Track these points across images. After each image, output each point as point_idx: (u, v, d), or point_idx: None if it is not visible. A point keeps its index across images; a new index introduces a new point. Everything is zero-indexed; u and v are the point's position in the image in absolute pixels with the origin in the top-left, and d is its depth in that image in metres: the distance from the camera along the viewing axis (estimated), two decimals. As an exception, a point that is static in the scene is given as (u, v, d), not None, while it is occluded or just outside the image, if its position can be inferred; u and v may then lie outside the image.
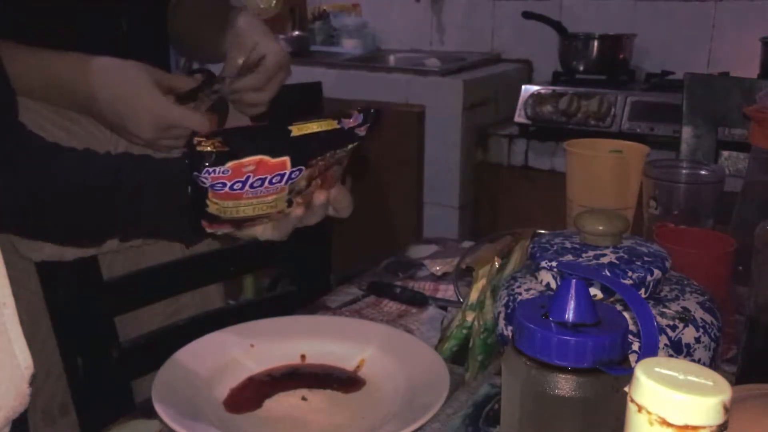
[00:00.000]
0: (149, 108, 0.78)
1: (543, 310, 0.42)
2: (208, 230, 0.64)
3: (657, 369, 0.29)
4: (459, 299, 0.83)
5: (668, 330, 0.57)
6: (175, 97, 0.81)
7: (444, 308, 0.86)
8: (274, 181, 0.60)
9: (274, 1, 2.54)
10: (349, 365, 0.72)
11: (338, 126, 0.61)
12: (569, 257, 0.61)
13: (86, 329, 0.83)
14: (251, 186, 0.59)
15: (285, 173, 0.60)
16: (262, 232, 0.69)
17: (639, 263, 0.59)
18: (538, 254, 0.63)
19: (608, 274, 0.58)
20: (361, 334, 0.76)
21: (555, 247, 0.63)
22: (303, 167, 0.60)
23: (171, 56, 1.04)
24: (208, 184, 0.58)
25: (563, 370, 0.40)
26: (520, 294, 0.64)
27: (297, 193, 0.63)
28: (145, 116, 0.79)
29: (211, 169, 0.57)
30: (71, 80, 0.79)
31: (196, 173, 0.58)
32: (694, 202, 0.84)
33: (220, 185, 0.58)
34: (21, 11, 0.82)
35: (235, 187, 0.58)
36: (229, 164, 0.57)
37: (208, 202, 0.60)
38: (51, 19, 0.84)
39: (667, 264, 0.61)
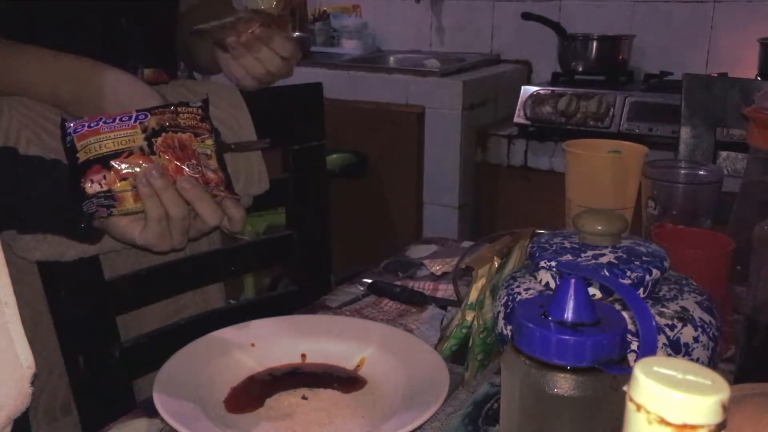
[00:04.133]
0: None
1: (542, 310, 0.42)
2: (88, 189, 0.69)
3: (656, 368, 0.29)
4: (459, 299, 0.83)
5: (667, 329, 0.57)
6: None
7: (444, 308, 0.86)
8: (123, 119, 0.71)
9: (275, 2, 2.54)
10: (350, 364, 0.73)
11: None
12: (568, 257, 0.61)
13: (88, 328, 0.83)
14: (105, 122, 0.71)
15: (132, 115, 0.72)
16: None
17: (638, 263, 0.60)
18: (537, 254, 0.63)
19: (607, 273, 0.59)
20: (361, 333, 0.76)
21: (554, 247, 0.63)
22: (147, 113, 0.72)
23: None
24: (72, 132, 0.70)
25: (562, 369, 0.40)
26: (519, 294, 0.64)
27: (153, 134, 0.71)
28: None
29: (72, 122, 0.71)
30: (79, 86, 0.79)
31: (63, 134, 0.71)
32: (693, 202, 0.85)
33: (80, 127, 0.70)
34: (21, 10, 0.82)
35: (92, 125, 0.70)
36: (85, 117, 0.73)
37: (78, 151, 0.70)
38: (51, 18, 0.84)
39: (666, 264, 0.61)
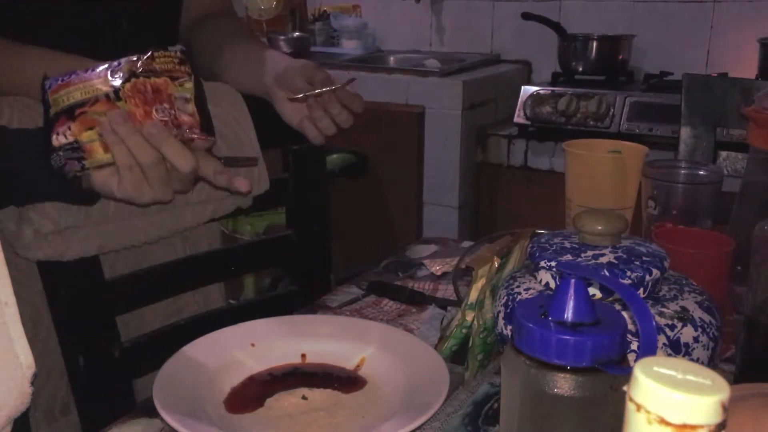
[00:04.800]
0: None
1: (542, 310, 0.42)
2: (54, 141, 0.68)
3: (656, 368, 0.29)
4: (459, 299, 0.83)
5: (667, 329, 0.57)
6: None
7: (444, 308, 0.86)
8: (97, 68, 0.70)
9: (275, 2, 2.54)
10: (350, 364, 0.73)
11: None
12: (568, 257, 0.61)
13: (88, 328, 0.83)
14: (77, 74, 0.70)
15: (106, 64, 0.71)
16: (118, 185, 0.69)
17: (638, 263, 0.60)
18: (537, 254, 0.63)
19: (607, 273, 0.59)
20: (361, 333, 0.76)
21: (554, 247, 0.63)
22: (121, 61, 0.71)
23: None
24: (47, 89, 0.69)
25: (562, 369, 0.40)
26: (519, 293, 0.64)
27: (123, 81, 0.70)
28: None
29: (50, 79, 0.70)
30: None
31: (42, 93, 0.70)
32: (693, 202, 0.85)
33: (55, 81, 0.70)
34: (21, 10, 0.82)
35: (64, 79, 0.69)
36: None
37: (51, 106, 0.69)
38: (51, 19, 0.84)
39: (666, 264, 0.61)
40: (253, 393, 0.68)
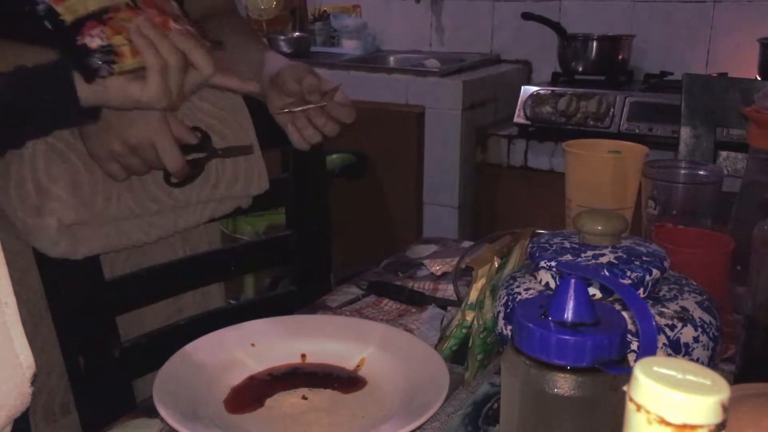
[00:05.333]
0: (148, 121, 0.78)
1: (542, 310, 0.42)
2: (90, 43, 0.69)
3: (656, 368, 0.29)
4: (459, 299, 0.83)
5: (667, 329, 0.57)
6: None
7: (444, 308, 0.86)
8: None
9: (275, 2, 2.54)
10: (350, 364, 0.73)
11: None
12: (568, 257, 0.61)
13: (88, 328, 0.83)
14: None
15: None
16: (143, 89, 0.71)
17: (638, 263, 0.60)
18: (537, 254, 0.63)
19: (607, 273, 0.59)
20: (361, 333, 0.76)
21: (554, 247, 0.63)
22: None
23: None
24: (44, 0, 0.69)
25: (562, 369, 0.40)
26: (519, 294, 0.64)
27: None
28: (140, 127, 0.78)
29: None
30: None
31: (31, 8, 0.70)
32: (693, 202, 0.85)
33: None
34: (19, 11, 0.82)
35: None
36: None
37: (61, 15, 0.69)
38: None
39: (666, 264, 0.61)
40: (253, 393, 0.68)
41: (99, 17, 0.70)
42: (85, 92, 0.70)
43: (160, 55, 0.70)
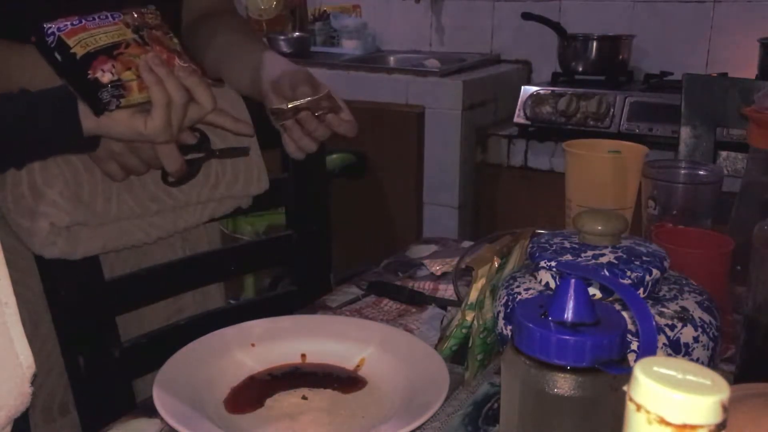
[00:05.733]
0: (153, 121, 0.78)
1: (542, 310, 0.42)
2: (101, 78, 0.71)
3: (656, 368, 0.29)
4: (459, 299, 0.83)
5: (667, 329, 0.57)
6: None
7: (444, 308, 0.86)
8: (102, 17, 0.74)
9: (275, 2, 2.54)
10: (350, 365, 0.73)
11: None
12: (568, 257, 0.61)
13: (88, 329, 0.83)
14: (87, 20, 0.73)
15: (107, 14, 0.75)
16: (147, 123, 0.73)
17: (638, 263, 0.60)
18: (537, 254, 0.63)
19: (607, 273, 0.59)
20: (361, 333, 0.76)
21: (554, 247, 0.63)
22: (119, 13, 0.75)
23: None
24: (56, 32, 0.72)
25: (562, 369, 0.40)
26: (519, 294, 0.64)
27: (136, 30, 0.75)
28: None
29: (50, 24, 0.72)
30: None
31: (41, 37, 0.72)
32: (693, 202, 0.85)
33: (64, 26, 0.72)
34: (19, 12, 0.82)
35: (75, 23, 0.73)
36: (59, 18, 0.73)
37: (71, 47, 0.72)
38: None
39: (666, 264, 0.61)
40: (253, 393, 0.68)
41: (110, 52, 0.73)
42: (91, 124, 0.73)
43: (166, 91, 0.73)
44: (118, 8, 0.77)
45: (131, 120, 0.74)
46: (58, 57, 0.72)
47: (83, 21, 0.73)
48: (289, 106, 0.88)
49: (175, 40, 0.79)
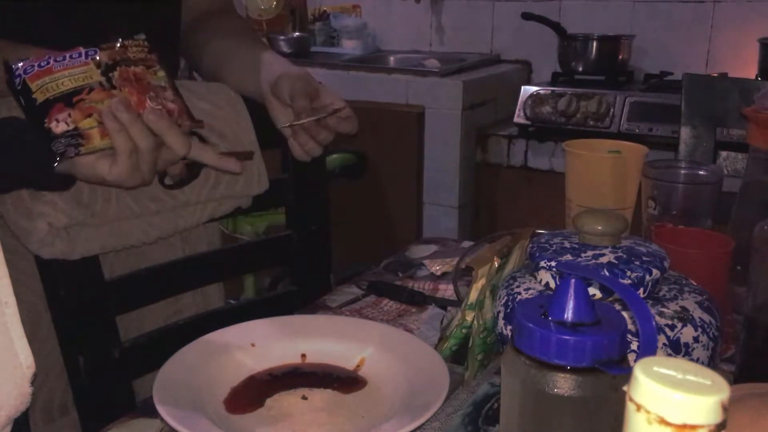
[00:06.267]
0: None
1: (542, 310, 0.42)
2: (54, 128, 0.68)
3: (656, 368, 0.29)
4: (459, 299, 0.83)
5: (667, 329, 0.57)
6: None
7: (444, 308, 0.86)
8: (74, 56, 0.71)
9: (275, 2, 2.54)
10: (349, 364, 0.73)
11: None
12: (568, 257, 0.61)
13: (88, 328, 0.83)
14: (56, 60, 0.70)
15: (81, 51, 0.72)
16: (110, 169, 0.71)
17: (638, 263, 0.60)
18: (537, 254, 0.63)
19: (607, 273, 0.59)
20: (361, 333, 0.76)
21: (554, 247, 0.63)
22: (96, 49, 0.72)
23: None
24: (22, 74, 0.69)
25: (562, 369, 0.40)
26: (519, 294, 0.64)
27: (108, 69, 0.72)
28: None
29: (18, 63, 0.70)
30: None
31: (10, 77, 0.70)
32: (693, 203, 0.85)
33: (30, 68, 0.70)
34: (19, 12, 0.82)
35: (42, 64, 0.70)
36: (31, 55, 0.71)
37: (33, 92, 0.69)
38: (50, 20, 0.84)
39: (666, 264, 0.61)
40: (253, 393, 0.68)
41: (69, 99, 0.69)
42: (59, 164, 0.71)
43: (130, 138, 0.70)
44: (103, 37, 0.74)
45: (95, 164, 0.71)
46: (22, 101, 0.70)
47: (51, 61, 0.70)
48: (288, 125, 0.89)
49: (160, 74, 0.75)
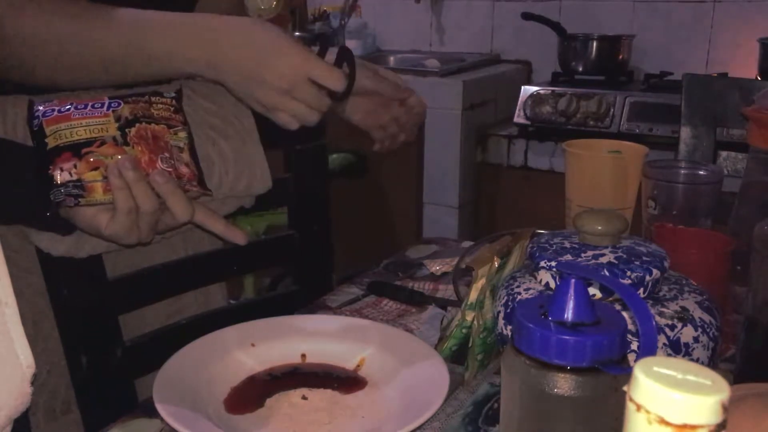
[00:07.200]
0: (292, 57, 0.78)
1: (542, 310, 0.42)
2: (57, 177, 0.68)
3: (656, 368, 0.29)
4: (459, 299, 0.83)
5: (667, 329, 0.57)
6: None
7: (444, 308, 0.86)
8: (96, 106, 0.71)
9: (275, 2, 2.54)
10: (350, 364, 0.73)
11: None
12: (568, 257, 0.61)
13: (90, 328, 0.83)
14: (76, 108, 0.70)
15: (104, 102, 0.71)
16: (108, 224, 0.70)
17: (638, 263, 0.60)
18: (537, 254, 0.63)
19: (607, 273, 0.59)
20: (361, 333, 0.76)
21: (554, 247, 0.63)
22: (121, 101, 0.72)
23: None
24: (41, 116, 0.69)
25: (562, 369, 0.40)
26: (519, 294, 0.64)
27: (126, 124, 0.71)
28: (286, 68, 0.78)
29: (41, 105, 0.70)
30: (170, 47, 0.78)
31: (30, 116, 0.70)
32: (693, 203, 0.85)
33: (50, 111, 0.70)
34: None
35: (63, 110, 0.70)
36: (55, 99, 0.72)
37: (47, 137, 0.69)
38: None
39: (666, 264, 0.61)
40: (253, 393, 0.68)
41: (78, 150, 0.69)
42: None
43: (131, 198, 0.69)
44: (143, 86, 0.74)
45: (94, 217, 0.70)
46: (35, 143, 0.70)
47: (71, 107, 0.70)
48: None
49: (181, 134, 0.74)
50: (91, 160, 0.68)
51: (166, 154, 0.72)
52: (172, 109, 0.74)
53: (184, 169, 0.73)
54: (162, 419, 0.61)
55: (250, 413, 0.65)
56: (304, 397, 0.68)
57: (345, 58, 0.85)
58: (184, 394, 0.64)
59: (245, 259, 1.01)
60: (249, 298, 1.94)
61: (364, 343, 0.74)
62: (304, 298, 0.98)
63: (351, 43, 2.58)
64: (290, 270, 1.09)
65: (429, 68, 2.24)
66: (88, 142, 0.69)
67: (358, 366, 0.72)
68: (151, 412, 0.64)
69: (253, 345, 0.74)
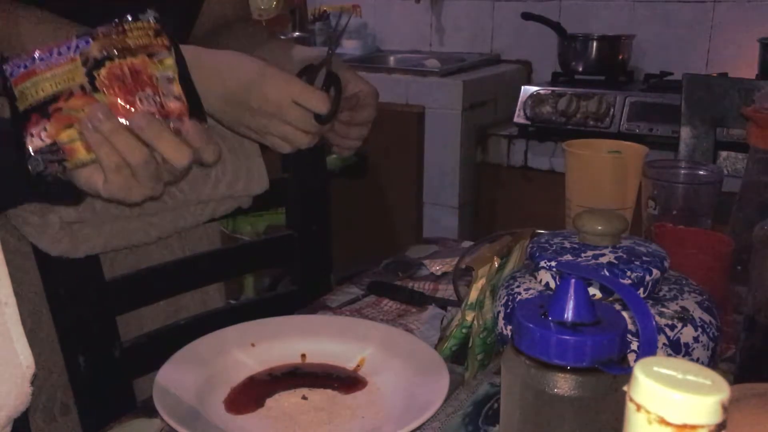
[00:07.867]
0: (276, 81, 0.77)
1: (542, 310, 0.42)
2: (29, 144, 0.60)
3: (656, 368, 0.29)
4: (459, 299, 0.83)
5: (667, 329, 0.57)
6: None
7: (444, 308, 0.86)
8: (62, 51, 0.61)
9: (275, 2, 2.54)
10: (349, 365, 0.73)
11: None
12: (568, 257, 0.61)
13: (88, 328, 0.83)
14: (41, 59, 0.60)
15: (71, 43, 0.61)
16: (103, 185, 0.62)
17: (638, 263, 0.60)
18: (537, 254, 0.63)
19: (607, 273, 0.59)
20: (361, 333, 0.76)
21: (554, 247, 0.63)
22: (89, 38, 0.61)
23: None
24: (9, 75, 0.60)
25: (562, 369, 0.40)
26: (519, 294, 0.64)
27: (95, 66, 0.61)
28: (271, 91, 0.77)
29: (8, 63, 0.61)
30: None
31: (3, 79, 0.61)
32: (693, 203, 0.85)
33: (17, 69, 0.60)
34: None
35: (27, 65, 0.60)
36: (24, 52, 0.62)
37: (17, 99, 0.61)
38: (76, 13, 0.83)
39: (666, 264, 0.61)
40: (253, 393, 0.68)
41: (45, 109, 0.60)
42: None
43: (115, 152, 0.60)
44: (108, 14, 0.63)
45: (90, 178, 0.62)
46: (11, 110, 0.61)
47: (36, 59, 0.60)
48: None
49: (168, 62, 0.62)
50: (61, 116, 0.60)
51: (149, 91, 0.61)
52: (152, 33, 0.62)
53: (172, 105, 0.62)
54: (162, 419, 0.61)
55: (250, 413, 0.65)
56: (304, 397, 0.68)
57: (332, 82, 0.85)
58: (184, 394, 0.64)
59: (243, 259, 1.01)
60: (249, 298, 1.94)
61: (364, 343, 0.74)
62: (303, 298, 0.98)
63: (351, 43, 2.58)
64: (289, 270, 1.08)
65: (429, 68, 2.24)
66: (55, 97, 0.60)
67: (358, 366, 0.72)
68: (150, 412, 0.64)
69: (253, 345, 0.74)
